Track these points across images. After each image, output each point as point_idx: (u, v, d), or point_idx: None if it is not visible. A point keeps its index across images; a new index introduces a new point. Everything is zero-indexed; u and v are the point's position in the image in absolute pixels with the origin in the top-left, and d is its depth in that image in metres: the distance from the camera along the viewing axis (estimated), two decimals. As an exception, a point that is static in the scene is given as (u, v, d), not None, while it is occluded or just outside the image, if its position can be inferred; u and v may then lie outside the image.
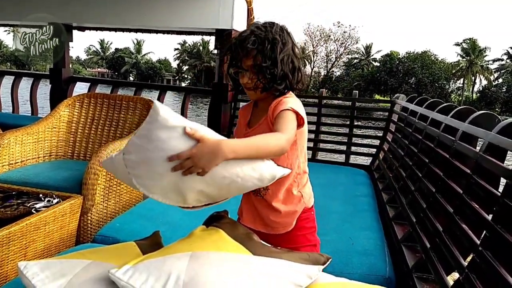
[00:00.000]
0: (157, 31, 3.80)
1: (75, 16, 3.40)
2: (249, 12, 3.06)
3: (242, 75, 1.00)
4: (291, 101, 0.98)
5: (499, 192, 0.95)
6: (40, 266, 0.87)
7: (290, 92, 1.02)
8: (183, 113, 3.43)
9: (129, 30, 3.92)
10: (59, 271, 0.85)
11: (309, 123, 3.18)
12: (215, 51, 3.34)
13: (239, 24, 2.94)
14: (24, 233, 1.42)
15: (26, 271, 0.86)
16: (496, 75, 40.33)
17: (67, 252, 1.08)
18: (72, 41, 3.68)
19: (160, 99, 3.48)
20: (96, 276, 0.84)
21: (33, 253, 1.48)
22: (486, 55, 40.62)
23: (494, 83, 39.21)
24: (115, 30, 3.85)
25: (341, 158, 3.16)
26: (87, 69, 51.95)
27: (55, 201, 1.66)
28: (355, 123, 3.09)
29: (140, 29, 3.88)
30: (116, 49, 52.94)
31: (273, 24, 1.01)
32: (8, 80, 4.16)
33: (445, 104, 1.74)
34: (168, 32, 3.72)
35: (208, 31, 3.51)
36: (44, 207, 1.59)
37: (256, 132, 0.99)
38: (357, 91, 3.42)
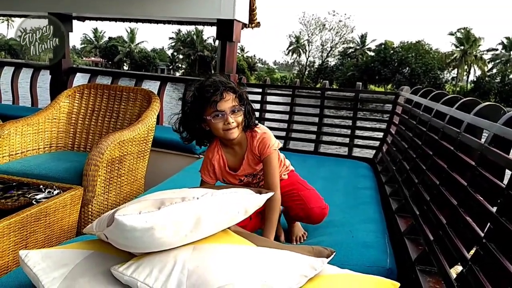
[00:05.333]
0: (157, 21, 3.75)
1: (75, 6, 3.36)
2: (251, 2, 3.02)
3: (224, 118, 1.16)
4: (269, 137, 1.25)
5: (504, 184, 0.94)
6: (42, 255, 0.87)
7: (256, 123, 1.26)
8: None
9: (129, 20, 3.87)
10: (60, 260, 0.85)
11: (311, 115, 3.17)
12: (216, 42, 3.29)
13: (241, 15, 2.89)
14: (25, 224, 1.42)
15: (27, 260, 0.86)
16: (490, 65, 39.61)
17: (68, 243, 1.07)
18: (72, 31, 3.64)
19: (161, 90, 3.45)
20: (98, 266, 0.83)
21: (34, 244, 1.48)
22: (480, 45, 39.67)
23: (488, 73, 38.53)
24: (115, 20, 3.81)
25: (342, 150, 3.14)
26: (83, 58, 51.19)
27: (55, 192, 1.65)
28: (358, 115, 3.06)
29: (140, 19, 3.83)
30: (109, 38, 51.86)
31: (222, 76, 1.23)
32: (7, 71, 4.14)
33: (450, 96, 1.71)
34: (168, 22, 3.68)
35: (210, 21, 3.47)
36: (44, 198, 1.59)
37: (245, 171, 1.29)
38: (360, 83, 3.36)
